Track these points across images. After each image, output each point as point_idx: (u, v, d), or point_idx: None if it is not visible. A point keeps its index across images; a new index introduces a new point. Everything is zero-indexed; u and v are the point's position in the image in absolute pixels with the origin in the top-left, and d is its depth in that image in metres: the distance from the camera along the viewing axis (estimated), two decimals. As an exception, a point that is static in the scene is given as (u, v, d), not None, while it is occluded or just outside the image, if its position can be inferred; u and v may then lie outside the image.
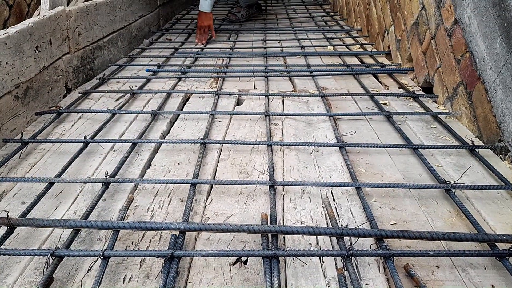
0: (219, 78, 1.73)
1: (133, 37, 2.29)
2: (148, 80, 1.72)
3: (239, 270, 0.72)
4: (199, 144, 1.14)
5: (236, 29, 2.78)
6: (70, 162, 1.03)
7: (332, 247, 0.77)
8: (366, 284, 0.69)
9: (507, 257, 0.71)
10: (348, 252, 0.70)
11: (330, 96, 1.51)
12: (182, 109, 1.46)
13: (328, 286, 0.68)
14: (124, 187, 0.96)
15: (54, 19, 1.47)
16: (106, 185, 0.93)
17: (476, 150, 1.10)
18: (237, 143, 1.14)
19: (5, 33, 1.21)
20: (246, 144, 1.14)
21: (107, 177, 0.94)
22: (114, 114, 1.34)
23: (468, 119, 1.26)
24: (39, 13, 1.61)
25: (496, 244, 0.74)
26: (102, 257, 0.70)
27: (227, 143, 1.15)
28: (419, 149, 1.11)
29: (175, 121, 1.35)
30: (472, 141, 1.13)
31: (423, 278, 0.70)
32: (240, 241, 0.79)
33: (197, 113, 1.36)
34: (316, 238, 0.79)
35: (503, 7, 1.08)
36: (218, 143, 1.15)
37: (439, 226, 0.83)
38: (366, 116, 1.35)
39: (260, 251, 0.71)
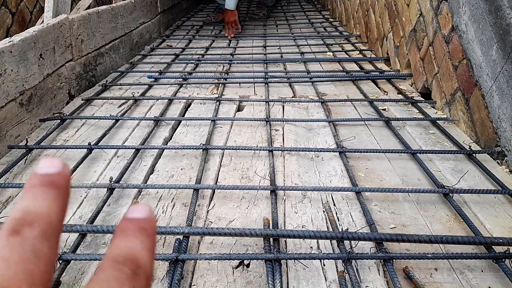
0: (220, 84, 1.75)
1: (135, 43, 2.32)
2: (150, 86, 1.74)
3: (242, 273, 0.74)
4: (201, 149, 1.16)
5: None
6: (74, 168, 1.05)
7: (333, 251, 0.79)
8: (366, 287, 0.70)
9: (503, 260, 0.73)
10: (348, 255, 0.72)
11: (330, 102, 1.53)
12: (183, 115, 1.48)
13: (329, 289, 0.70)
14: (128, 192, 0.98)
15: (57, 27, 1.50)
16: (110, 190, 0.94)
17: (474, 155, 1.12)
18: (238, 149, 1.16)
19: (10, 41, 1.23)
20: (247, 149, 1.16)
21: (112, 182, 0.96)
22: (117, 120, 1.36)
23: (465, 125, 1.28)
24: (43, 21, 1.63)
25: (493, 246, 0.76)
26: (108, 261, 0.71)
27: (229, 149, 1.17)
28: (418, 154, 1.13)
29: (177, 127, 1.37)
30: (470, 146, 1.15)
31: (422, 280, 0.72)
32: (243, 245, 0.81)
33: (199, 119, 1.38)
34: (317, 241, 0.81)
35: (498, 15, 1.10)
36: (219, 148, 1.17)
37: (437, 230, 0.85)
38: (365, 121, 1.37)
39: (262, 255, 0.73)
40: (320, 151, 1.15)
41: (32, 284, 0.14)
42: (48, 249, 0.16)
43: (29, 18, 2.35)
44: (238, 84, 1.77)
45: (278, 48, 2.41)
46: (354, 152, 1.15)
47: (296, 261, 0.75)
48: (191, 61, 2.13)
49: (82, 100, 1.57)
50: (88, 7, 2.00)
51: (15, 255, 0.15)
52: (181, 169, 1.10)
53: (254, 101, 1.56)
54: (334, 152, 1.15)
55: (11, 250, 0.15)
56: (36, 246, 0.15)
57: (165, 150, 1.19)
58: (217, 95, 1.62)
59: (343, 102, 1.54)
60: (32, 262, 0.15)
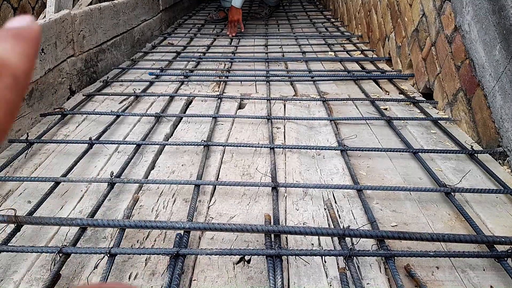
0: (221, 82, 1.75)
1: (136, 41, 2.31)
2: (151, 83, 1.74)
3: (243, 269, 0.74)
4: (202, 146, 1.15)
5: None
6: (75, 163, 1.05)
7: (334, 248, 0.78)
8: (368, 284, 0.70)
9: (505, 259, 0.72)
10: (350, 252, 0.72)
11: (331, 101, 1.53)
12: (185, 112, 1.48)
13: (330, 285, 0.70)
14: (129, 187, 0.97)
15: (59, 22, 1.49)
16: (111, 185, 0.94)
17: (475, 155, 1.12)
18: (239, 146, 1.16)
19: (12, 35, 1.23)
20: (248, 146, 1.16)
21: (113, 177, 0.95)
22: (118, 116, 1.35)
23: (467, 125, 1.28)
24: (45, 16, 1.63)
25: (495, 245, 0.75)
26: (108, 255, 0.71)
27: (230, 146, 1.17)
28: (419, 153, 1.13)
29: (178, 123, 1.36)
30: (472, 146, 1.14)
31: (423, 278, 0.71)
32: (244, 241, 0.80)
33: (200, 116, 1.38)
34: (318, 238, 0.81)
35: (502, 15, 1.10)
36: (221, 145, 1.17)
37: (439, 229, 0.85)
38: (367, 120, 1.37)
39: (263, 250, 0.73)
40: (322, 149, 1.15)
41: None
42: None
43: (31, 13, 2.35)
44: (240, 82, 1.77)
45: (280, 47, 2.40)
46: (356, 150, 1.15)
47: (297, 257, 0.75)
48: (192, 59, 2.12)
49: (83, 95, 1.56)
50: (90, 3, 2.00)
51: None
52: (182, 165, 1.09)
53: (256, 99, 1.56)
54: (335, 150, 1.15)
55: None
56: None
57: (166, 146, 1.18)
58: (218, 93, 1.62)
59: (345, 101, 1.54)
60: None
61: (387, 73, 1.85)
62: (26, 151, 1.12)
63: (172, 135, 1.29)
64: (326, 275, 0.72)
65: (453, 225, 0.86)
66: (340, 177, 1.04)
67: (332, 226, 0.83)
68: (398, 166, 1.10)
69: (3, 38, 0.16)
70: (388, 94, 1.64)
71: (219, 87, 1.71)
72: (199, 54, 2.24)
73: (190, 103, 1.56)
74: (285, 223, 0.86)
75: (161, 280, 0.71)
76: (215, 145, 1.16)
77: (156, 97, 1.58)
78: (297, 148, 1.15)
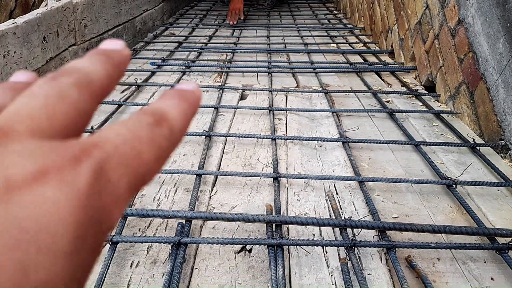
0: (223, 73, 1.74)
1: (138, 30, 2.30)
2: (153, 73, 1.73)
3: (244, 258, 0.74)
4: (204, 136, 1.15)
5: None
6: (77, 151, 1.05)
7: (335, 238, 0.79)
8: (369, 274, 0.70)
9: (506, 251, 0.73)
10: (351, 242, 0.72)
11: (333, 92, 1.52)
12: (186, 103, 1.47)
13: (331, 276, 0.70)
14: (131, 176, 0.97)
15: (61, 11, 1.48)
16: (113, 174, 0.94)
17: (477, 148, 1.12)
18: (241, 137, 1.16)
19: (13, 23, 1.22)
20: (250, 137, 1.16)
21: (114, 166, 0.95)
22: (119, 105, 1.35)
23: (469, 118, 1.28)
24: (46, 4, 1.62)
25: (496, 238, 0.76)
26: (110, 243, 0.71)
27: (232, 136, 1.17)
28: (421, 145, 1.13)
29: (180, 114, 1.36)
30: (474, 139, 1.14)
31: (424, 269, 0.72)
32: (245, 231, 0.80)
33: (202, 107, 1.38)
34: (320, 229, 0.81)
35: (506, 8, 1.09)
36: (222, 135, 1.17)
37: (440, 221, 0.85)
38: (369, 113, 1.36)
39: (265, 240, 0.73)
40: (324, 140, 1.15)
41: (47, 118, 0.14)
42: (78, 96, 0.15)
43: (32, 1, 2.33)
44: (241, 73, 1.76)
45: (282, 39, 2.39)
46: (358, 142, 1.15)
47: (298, 247, 0.75)
48: (194, 49, 2.12)
49: (85, 85, 1.56)
50: (92, -8, 1.98)
51: (38, 93, 0.15)
52: (183, 155, 1.09)
53: (257, 90, 1.56)
54: (337, 142, 1.15)
55: (37, 88, 0.15)
56: (64, 89, 0.15)
57: (168, 136, 1.18)
58: (220, 84, 1.61)
59: (347, 93, 1.54)
60: (53, 100, 0.14)
61: (389, 65, 1.84)
62: (27, 139, 1.12)
63: (173, 125, 1.29)
64: (327, 265, 0.72)
65: (454, 217, 0.86)
66: (342, 168, 1.04)
67: (334, 217, 0.83)
68: (399, 158, 1.10)
69: (171, 96, 0.18)
70: (390, 87, 1.63)
71: (220, 78, 1.70)
72: (201, 44, 2.23)
73: (192, 93, 1.55)
74: (287, 213, 0.86)
75: (162, 268, 0.71)
76: (216, 135, 1.16)
77: (158, 87, 1.57)
78: (299, 139, 1.15)
